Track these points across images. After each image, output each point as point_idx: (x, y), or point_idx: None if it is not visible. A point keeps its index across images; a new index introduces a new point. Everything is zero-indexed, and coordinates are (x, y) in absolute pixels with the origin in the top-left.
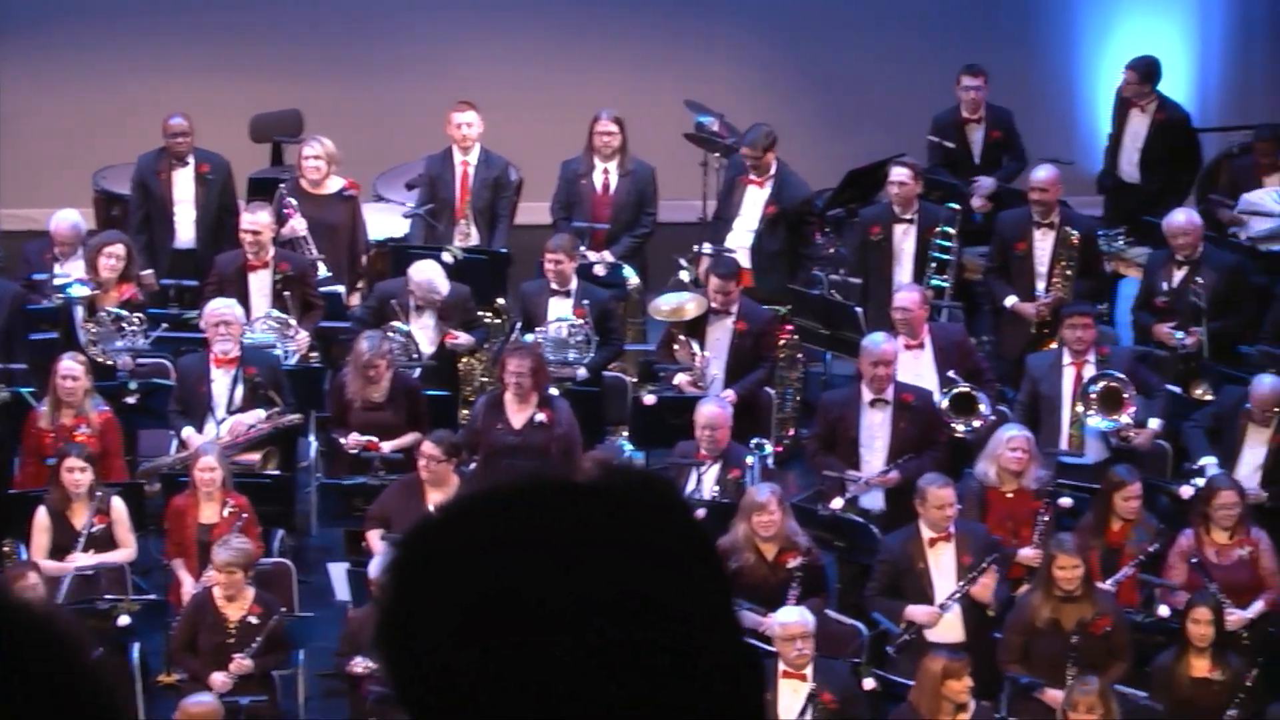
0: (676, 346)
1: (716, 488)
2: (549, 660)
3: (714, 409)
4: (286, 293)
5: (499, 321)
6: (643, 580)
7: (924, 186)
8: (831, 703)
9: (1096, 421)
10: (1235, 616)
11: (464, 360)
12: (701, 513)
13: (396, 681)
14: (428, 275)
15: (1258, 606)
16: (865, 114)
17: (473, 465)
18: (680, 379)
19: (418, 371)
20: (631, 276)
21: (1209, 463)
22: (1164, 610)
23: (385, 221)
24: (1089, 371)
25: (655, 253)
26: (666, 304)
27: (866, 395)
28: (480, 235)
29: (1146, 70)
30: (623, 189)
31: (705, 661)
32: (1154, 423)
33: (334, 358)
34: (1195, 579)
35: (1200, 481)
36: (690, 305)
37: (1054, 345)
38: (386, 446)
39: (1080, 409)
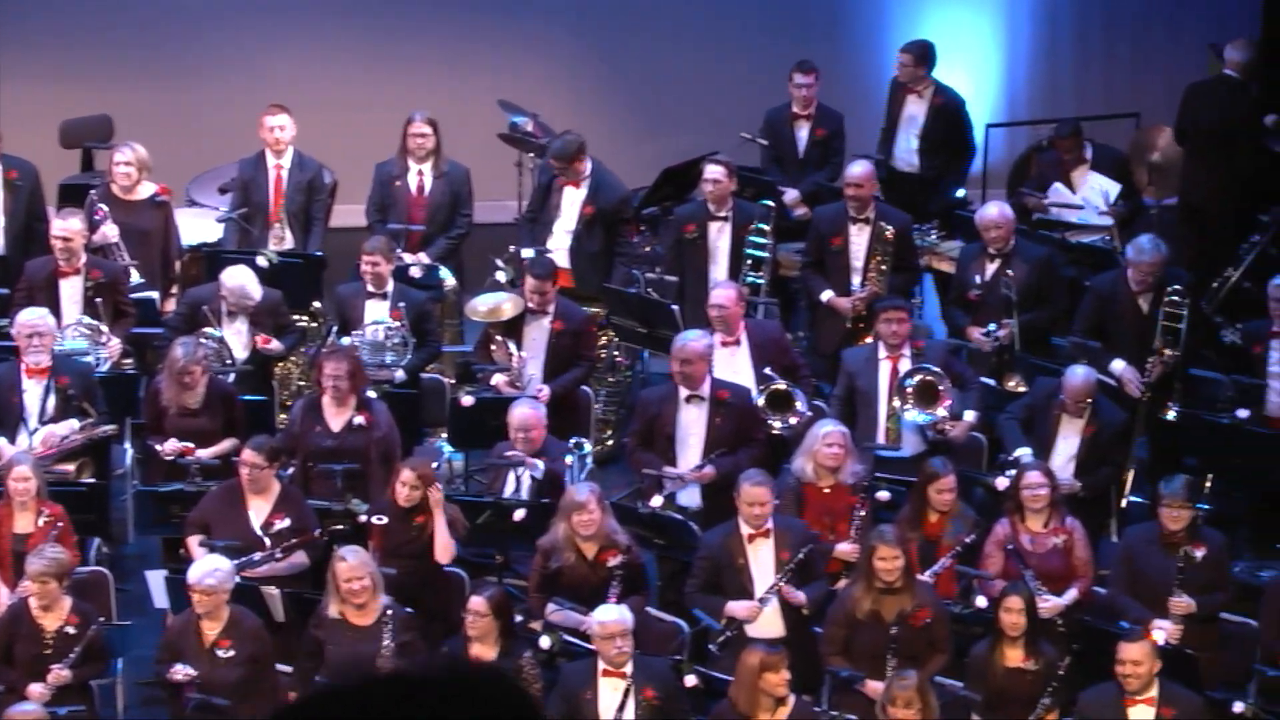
0: (493, 347)
1: (533, 485)
2: None
3: (526, 410)
4: (98, 299)
5: (315, 325)
6: None
7: (738, 184)
8: (654, 699)
9: (913, 415)
10: (1049, 604)
11: (280, 365)
12: (521, 513)
13: None
14: (240, 281)
15: (1071, 594)
16: (679, 112)
17: (291, 469)
18: (497, 379)
19: (232, 377)
20: (448, 278)
21: (1024, 453)
22: (981, 601)
23: (199, 226)
24: (905, 365)
25: (471, 254)
26: (483, 304)
27: (683, 392)
28: (295, 239)
29: (921, 53)
30: (437, 190)
31: None
32: (969, 415)
33: (148, 364)
34: (1011, 568)
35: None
36: (507, 305)
37: (869, 340)
38: (203, 453)
39: (896, 403)
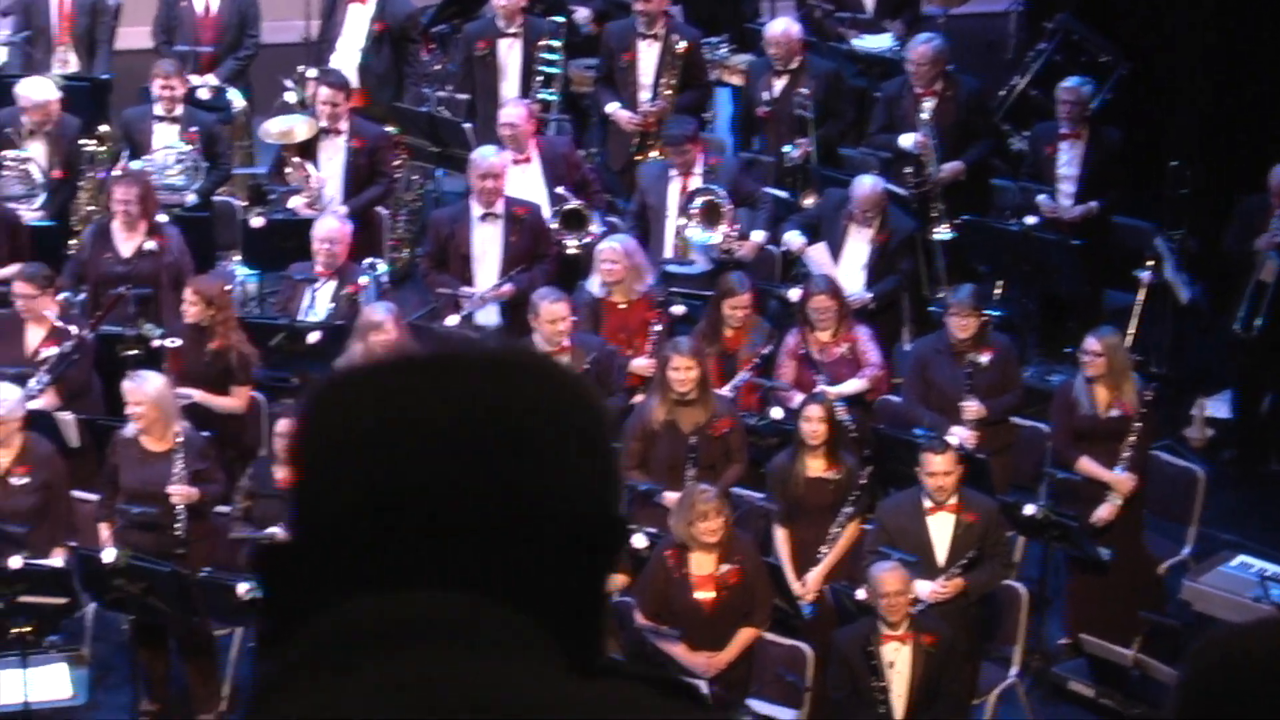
0: (289, 170)
1: (332, 305)
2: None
3: (334, 223)
4: None
5: (104, 149)
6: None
7: None
8: None
9: (697, 235)
10: (833, 391)
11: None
12: (316, 335)
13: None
14: (44, 94)
15: (857, 384)
16: None
17: (83, 295)
18: (295, 201)
19: (41, 199)
20: (237, 99)
21: (793, 237)
22: (777, 412)
23: None
24: (695, 183)
25: (260, 75)
26: (276, 127)
27: (477, 210)
28: (80, 62)
29: None
30: (225, 11)
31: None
32: (757, 235)
33: None
34: (806, 376)
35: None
36: (301, 127)
37: (656, 154)
38: None
39: (682, 221)
